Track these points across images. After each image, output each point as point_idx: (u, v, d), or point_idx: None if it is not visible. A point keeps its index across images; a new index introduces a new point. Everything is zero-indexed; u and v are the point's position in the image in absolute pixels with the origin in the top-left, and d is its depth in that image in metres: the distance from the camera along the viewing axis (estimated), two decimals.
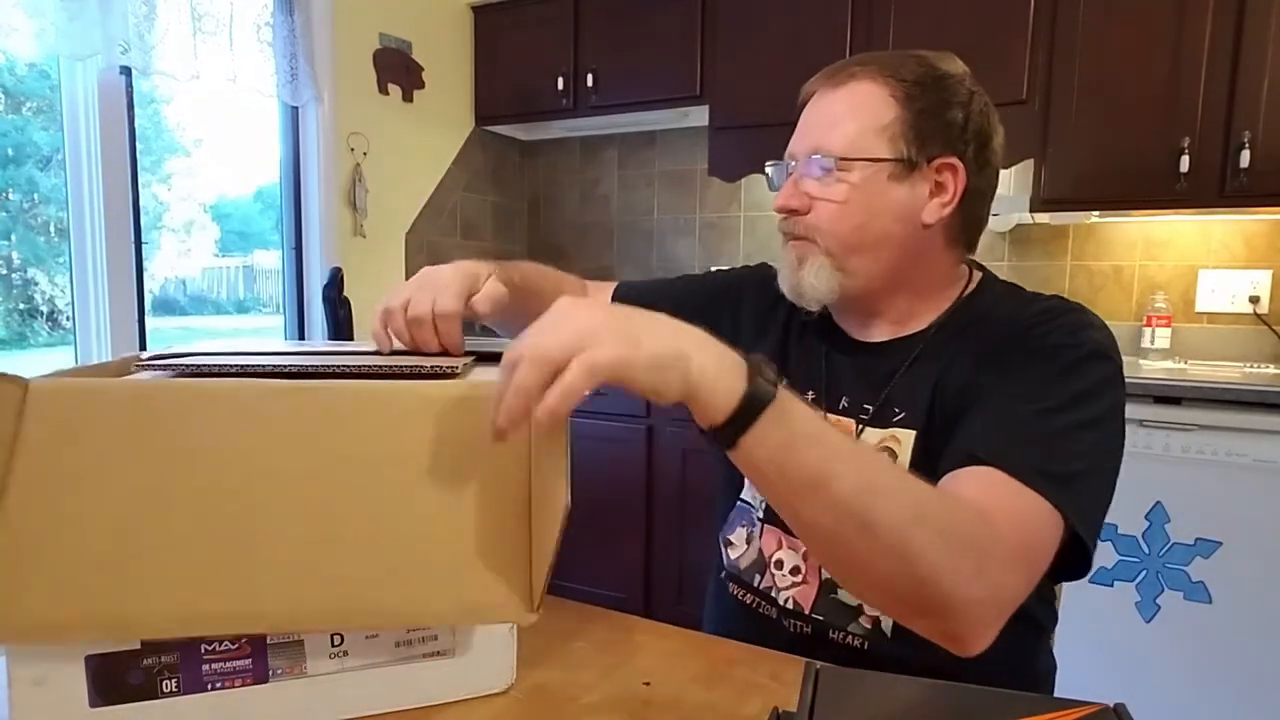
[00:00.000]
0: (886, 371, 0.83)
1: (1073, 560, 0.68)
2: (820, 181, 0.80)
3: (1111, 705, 0.40)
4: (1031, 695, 0.42)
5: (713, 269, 1.06)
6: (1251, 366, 2.13)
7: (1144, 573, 1.84)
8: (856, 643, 0.80)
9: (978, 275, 0.87)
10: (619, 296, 1.05)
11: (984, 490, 0.65)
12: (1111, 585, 1.88)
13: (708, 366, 0.53)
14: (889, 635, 0.79)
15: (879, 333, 0.86)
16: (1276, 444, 1.72)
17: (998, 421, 0.70)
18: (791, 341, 0.93)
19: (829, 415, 0.85)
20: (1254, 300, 2.24)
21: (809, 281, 0.81)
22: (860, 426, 0.83)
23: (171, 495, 0.51)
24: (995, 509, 0.63)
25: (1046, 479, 0.65)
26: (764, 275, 0.98)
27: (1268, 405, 1.72)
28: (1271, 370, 2.06)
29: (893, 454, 0.79)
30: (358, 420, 0.56)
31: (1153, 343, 2.27)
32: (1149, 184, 2.02)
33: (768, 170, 0.89)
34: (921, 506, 0.59)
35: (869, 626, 0.80)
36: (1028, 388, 0.72)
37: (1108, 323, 0.80)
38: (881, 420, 0.81)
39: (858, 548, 0.57)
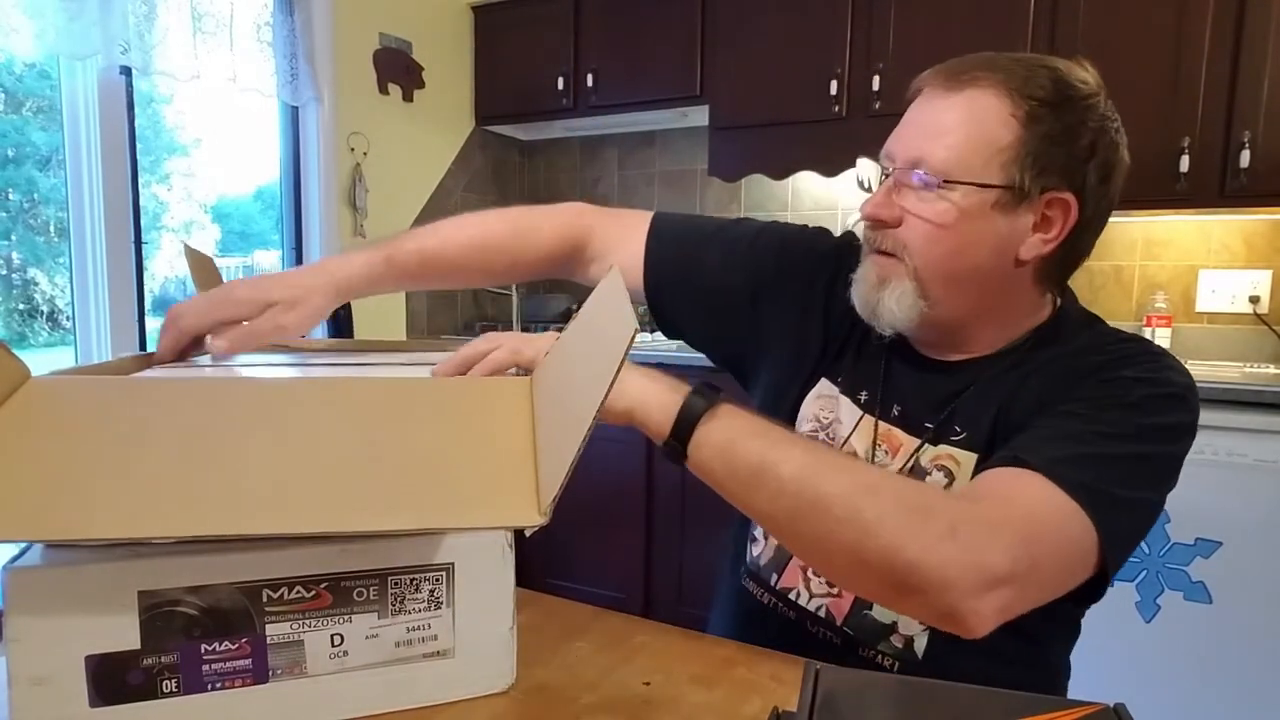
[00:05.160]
0: (950, 391, 0.79)
1: (1086, 584, 0.67)
2: (918, 195, 0.73)
3: (1111, 705, 0.40)
4: (1031, 695, 0.42)
5: (760, 222, 0.98)
6: (1251, 366, 2.13)
7: (1144, 573, 1.84)
8: (886, 662, 0.77)
9: (1056, 302, 0.81)
10: (655, 233, 0.95)
11: (1007, 483, 0.63)
12: (1111, 585, 1.87)
13: (644, 386, 0.64)
14: (920, 657, 0.75)
15: (946, 353, 0.81)
16: (1276, 444, 1.72)
17: (1052, 434, 0.67)
18: (855, 335, 0.87)
19: (880, 422, 0.82)
20: (1254, 300, 2.24)
21: (888, 305, 0.76)
22: (921, 443, 0.78)
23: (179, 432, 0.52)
24: (1004, 492, 0.62)
25: (1089, 492, 0.62)
26: (826, 248, 0.92)
27: (1268, 405, 1.72)
28: (1271, 370, 2.06)
29: (950, 474, 0.76)
30: (358, 396, 0.57)
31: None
32: (1149, 184, 2.02)
33: (861, 168, 0.82)
34: (873, 479, 0.61)
35: (900, 646, 0.76)
36: (1093, 409, 0.68)
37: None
38: (943, 438, 0.78)
39: (814, 525, 0.60)
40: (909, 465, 0.78)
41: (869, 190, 0.79)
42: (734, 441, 0.62)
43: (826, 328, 0.88)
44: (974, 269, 0.74)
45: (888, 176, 0.76)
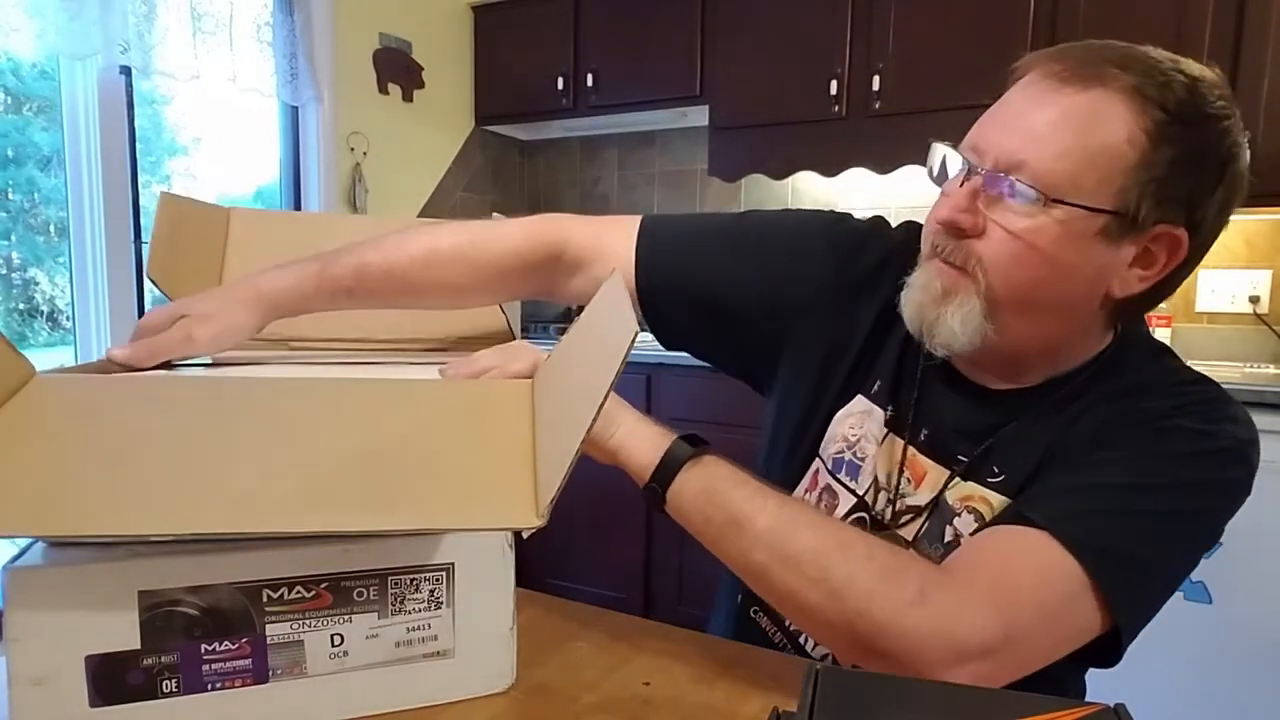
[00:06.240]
0: (990, 423, 0.70)
1: (1100, 646, 0.61)
2: (1010, 206, 0.61)
3: (1111, 705, 0.40)
4: (1032, 695, 0.42)
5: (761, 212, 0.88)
6: (1251, 366, 2.13)
7: None
8: None
9: (1117, 326, 0.71)
10: (646, 238, 0.83)
11: (998, 544, 0.60)
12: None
13: (634, 427, 0.64)
14: None
15: (989, 379, 0.72)
16: (1277, 444, 1.72)
17: (1069, 486, 0.62)
18: (893, 340, 0.76)
19: (908, 447, 0.73)
20: (1254, 300, 2.24)
21: (949, 324, 0.64)
22: (951, 476, 0.71)
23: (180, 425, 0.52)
24: (990, 553, 0.59)
25: (1096, 551, 0.57)
26: (858, 240, 0.80)
27: (1268, 405, 1.72)
28: (1271, 370, 2.06)
29: (980, 518, 0.68)
30: (359, 396, 0.57)
31: None
32: None
33: (935, 155, 0.68)
34: (846, 538, 0.60)
35: None
36: (1132, 461, 0.61)
37: None
38: (976, 476, 0.70)
39: (785, 582, 0.59)
40: (933, 501, 0.71)
41: (937, 181, 0.68)
42: (712, 491, 0.61)
43: (860, 334, 0.78)
44: (1057, 300, 0.63)
45: (971, 174, 0.63)
